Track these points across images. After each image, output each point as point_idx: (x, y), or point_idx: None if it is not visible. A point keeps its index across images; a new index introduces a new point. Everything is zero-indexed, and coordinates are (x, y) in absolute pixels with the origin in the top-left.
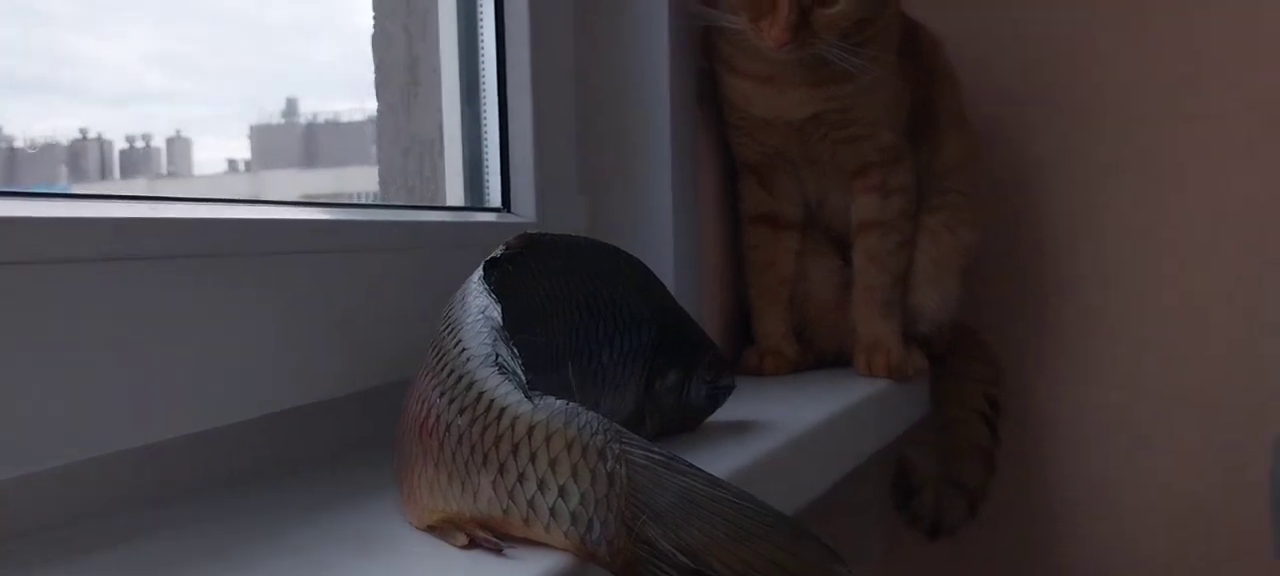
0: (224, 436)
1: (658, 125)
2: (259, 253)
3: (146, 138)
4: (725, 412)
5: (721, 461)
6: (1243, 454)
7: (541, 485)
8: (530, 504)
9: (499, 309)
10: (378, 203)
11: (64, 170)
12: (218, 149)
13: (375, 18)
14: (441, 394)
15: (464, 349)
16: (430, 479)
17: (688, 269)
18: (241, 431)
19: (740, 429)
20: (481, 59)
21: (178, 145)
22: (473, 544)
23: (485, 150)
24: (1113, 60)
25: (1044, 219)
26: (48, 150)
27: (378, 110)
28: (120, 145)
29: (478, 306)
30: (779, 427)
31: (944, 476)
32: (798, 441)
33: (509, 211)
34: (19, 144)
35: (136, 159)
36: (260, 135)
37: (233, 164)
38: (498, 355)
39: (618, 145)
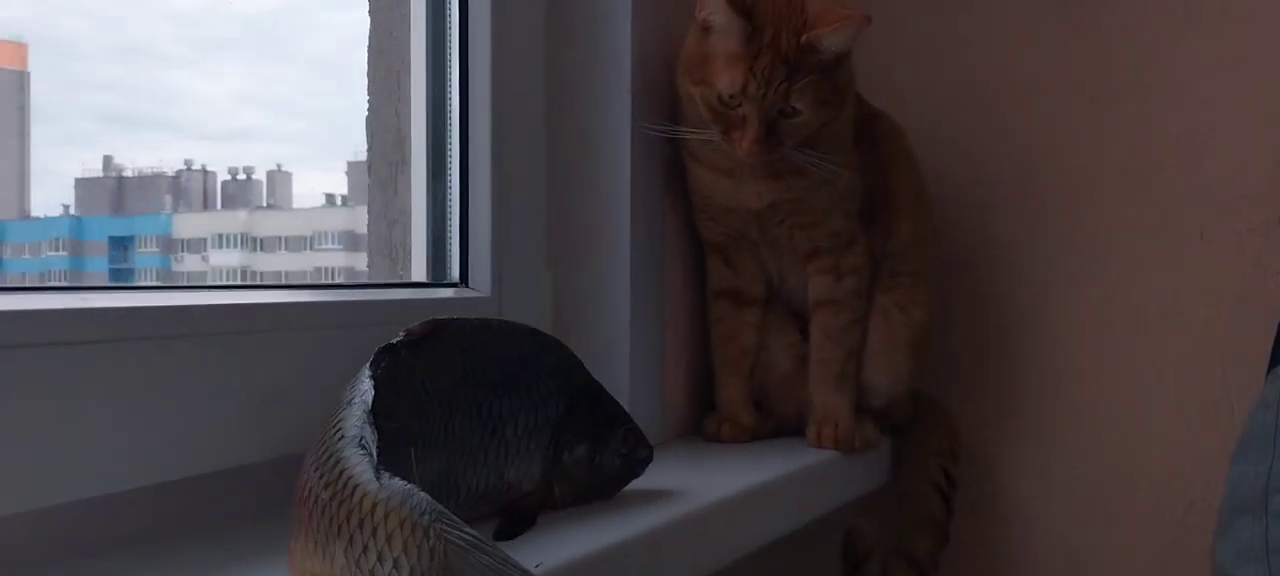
0: (151, 495)
1: (619, 207)
2: (185, 335)
3: (248, 170)
4: (656, 480)
5: (623, 527)
6: (1206, 532)
7: (380, 557)
8: (371, 572)
9: (373, 393)
10: (335, 283)
11: (169, 199)
12: (316, 183)
13: (369, 99)
14: (315, 468)
15: (339, 429)
16: (302, 545)
17: (646, 341)
18: (168, 491)
19: (654, 497)
20: (448, 135)
21: (278, 178)
22: None
23: (449, 226)
24: (1072, 147)
25: (1007, 297)
26: (154, 181)
27: (369, 186)
28: (223, 177)
29: (360, 390)
30: (692, 497)
31: (895, 547)
32: (705, 512)
33: (466, 286)
34: (128, 174)
35: (238, 190)
36: (355, 171)
37: (330, 198)
38: (362, 437)
39: (583, 225)
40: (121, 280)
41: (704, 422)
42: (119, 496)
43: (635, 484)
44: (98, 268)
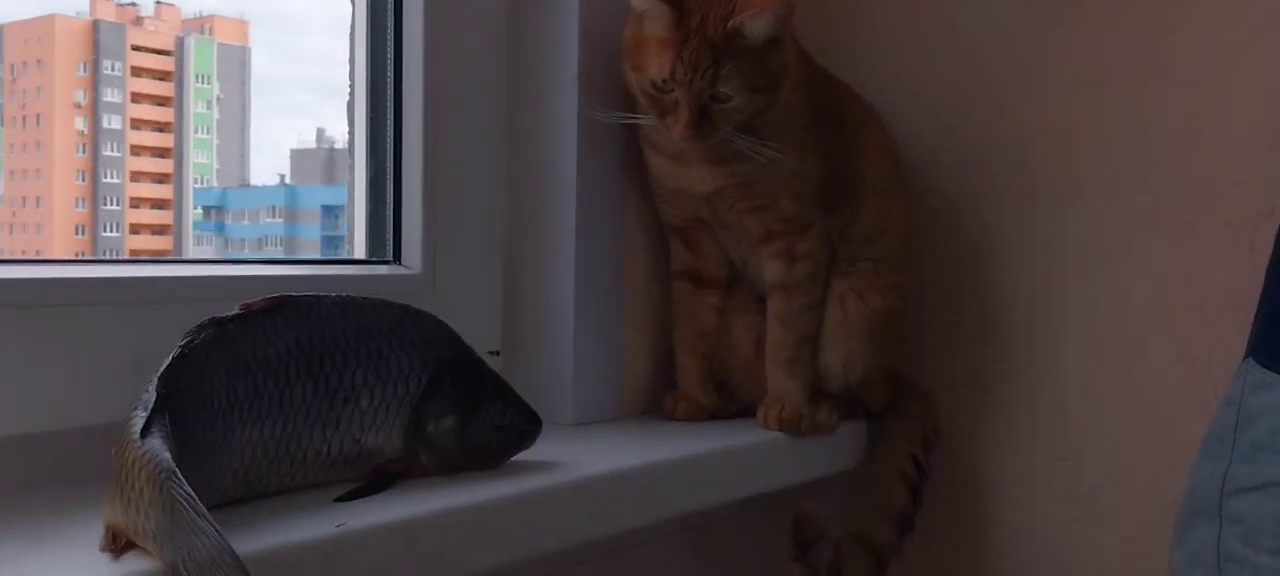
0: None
1: (566, 190)
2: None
3: None
4: (564, 452)
5: (465, 495)
6: None
7: (138, 507)
8: (135, 520)
9: (167, 362)
10: (274, 257)
11: None
12: None
13: (350, 86)
14: (119, 429)
15: (139, 394)
16: (108, 491)
17: (596, 321)
18: (42, 442)
19: (537, 468)
20: (385, 112)
21: None
22: (105, 547)
23: (385, 204)
24: (1063, 135)
25: (994, 287)
26: None
27: (350, 165)
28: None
29: (165, 359)
30: (575, 468)
31: (851, 532)
32: (579, 483)
33: (399, 264)
34: (339, 145)
35: None
36: None
37: None
38: (146, 401)
39: (531, 207)
40: (332, 247)
41: (663, 401)
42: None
43: (531, 454)
44: (310, 235)
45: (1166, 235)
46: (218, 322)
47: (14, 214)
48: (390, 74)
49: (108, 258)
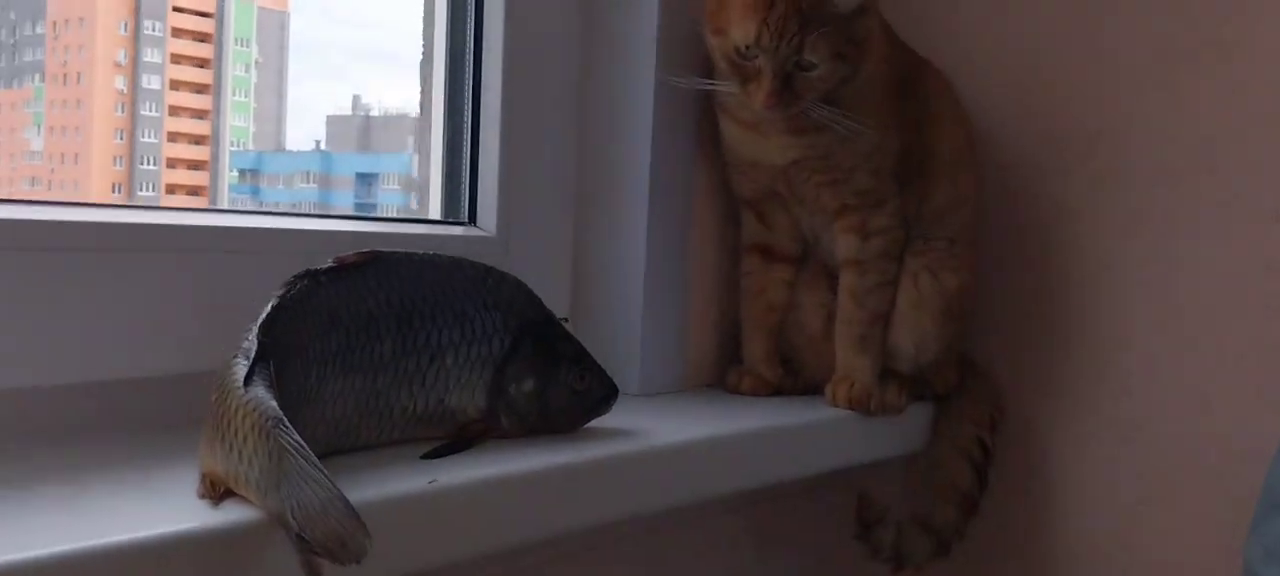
0: (116, 390)
1: (640, 157)
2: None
3: None
4: (636, 421)
5: (549, 458)
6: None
7: (240, 455)
8: (236, 469)
9: (267, 312)
10: (350, 214)
11: (411, 139)
12: None
13: (423, 45)
14: (217, 376)
15: (240, 344)
16: (205, 439)
17: (664, 291)
18: (134, 388)
19: (611, 434)
20: (464, 74)
21: None
22: (203, 494)
23: (461, 165)
24: (1143, 112)
25: (1065, 266)
26: (398, 121)
27: (417, 124)
28: (417, 126)
29: (264, 309)
30: (651, 436)
31: (913, 514)
32: (655, 452)
33: (474, 225)
34: (374, 113)
35: None
36: None
37: None
38: (248, 349)
39: (605, 172)
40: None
41: (727, 374)
42: (81, 388)
43: (603, 422)
44: (344, 201)
45: (1247, 223)
46: (312, 275)
47: (52, 170)
48: (470, 36)
49: (191, 206)
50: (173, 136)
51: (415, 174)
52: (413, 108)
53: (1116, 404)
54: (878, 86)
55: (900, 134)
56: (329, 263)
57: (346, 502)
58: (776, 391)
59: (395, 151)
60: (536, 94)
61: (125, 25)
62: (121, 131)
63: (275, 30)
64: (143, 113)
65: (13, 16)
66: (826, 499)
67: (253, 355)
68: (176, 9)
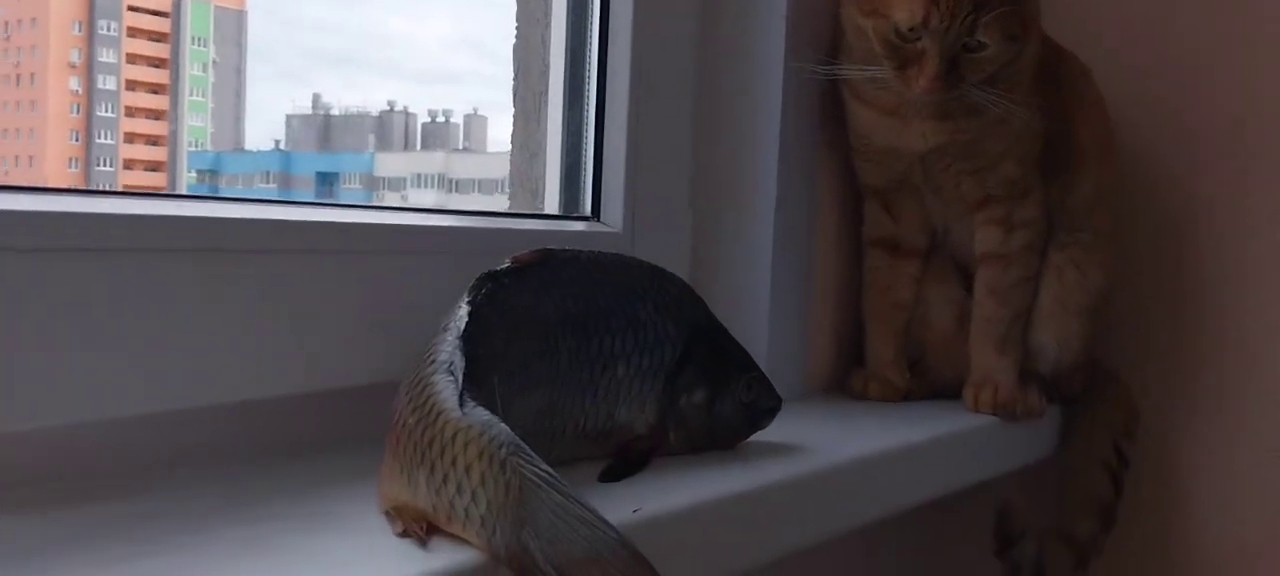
0: (261, 409)
1: (768, 147)
2: (283, 250)
3: (447, 113)
4: (787, 433)
5: (738, 479)
6: None
7: (459, 487)
8: (450, 503)
9: (467, 320)
10: (460, 209)
11: (372, 138)
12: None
13: (517, 25)
14: (406, 394)
15: (431, 355)
16: (390, 469)
17: (789, 290)
18: (278, 407)
19: (780, 451)
20: (587, 63)
21: (475, 122)
22: (405, 533)
23: (583, 158)
24: None
25: (1208, 261)
26: (358, 120)
27: (513, 116)
28: (423, 119)
29: (457, 317)
30: (819, 454)
31: (1053, 526)
32: (831, 471)
33: (598, 221)
34: (335, 112)
35: (437, 132)
36: None
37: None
38: (452, 364)
39: (729, 164)
40: None
41: (850, 379)
42: (228, 408)
43: (761, 436)
44: (304, 202)
45: None
46: (494, 277)
47: (5, 173)
48: (594, 29)
49: (320, 200)
50: (129, 137)
51: (377, 172)
52: (375, 105)
53: (1264, 412)
54: (1032, 67)
55: (1048, 120)
56: (506, 263)
57: (629, 546)
58: (906, 396)
59: (356, 151)
60: (662, 83)
61: (79, 25)
62: (76, 133)
63: (233, 30)
64: (98, 114)
65: None
66: (954, 512)
67: (462, 371)
68: (132, 8)
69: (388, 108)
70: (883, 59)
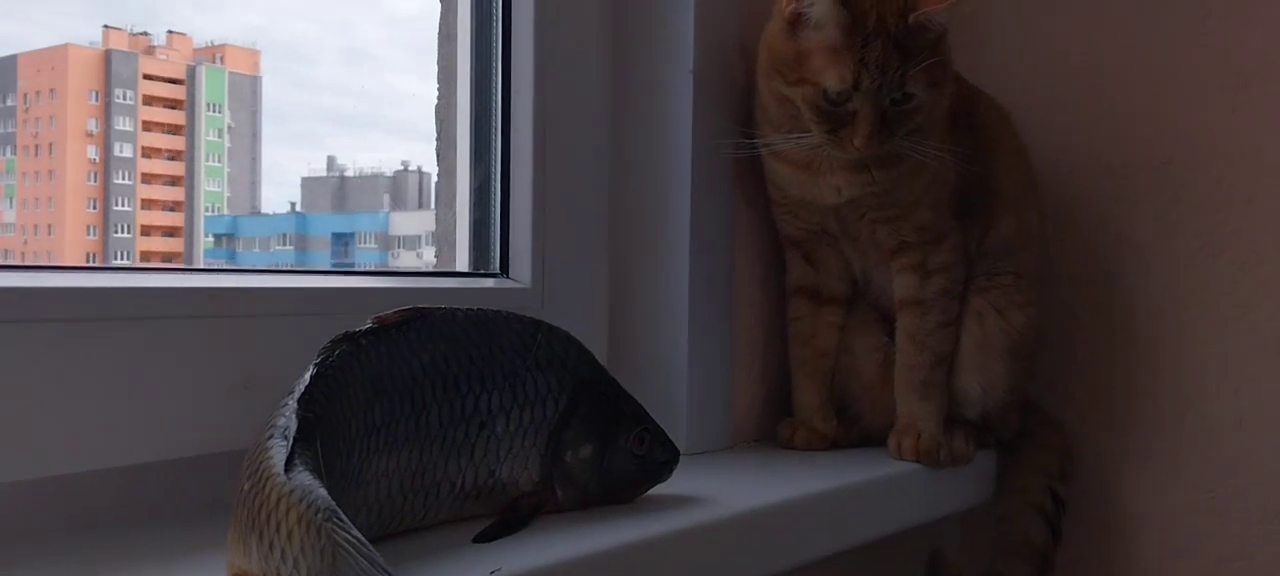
0: (110, 478)
1: (680, 198)
2: (159, 316)
3: None
4: (697, 485)
5: (619, 534)
6: None
7: (283, 554)
8: (277, 569)
9: (307, 383)
10: (366, 269)
11: (387, 198)
12: None
13: (438, 86)
14: (246, 461)
15: (272, 421)
16: (232, 538)
17: (709, 341)
18: (131, 475)
19: (678, 503)
20: (492, 118)
21: None
22: None
23: (491, 214)
24: (1212, 136)
25: (1136, 302)
26: (372, 180)
27: (438, 173)
28: (435, 178)
29: (300, 380)
30: (719, 504)
31: (987, 573)
32: (728, 522)
33: (506, 277)
34: (350, 173)
35: None
36: None
37: None
38: (287, 428)
39: (642, 216)
40: None
41: (778, 428)
42: (91, 476)
43: (665, 489)
44: (320, 263)
45: None
46: (352, 338)
47: (25, 242)
48: (498, 81)
49: (208, 266)
50: (146, 203)
51: (392, 231)
52: (389, 166)
53: (1200, 450)
54: (946, 111)
55: (958, 164)
56: (369, 323)
57: None
58: (833, 444)
59: (371, 210)
60: (569, 136)
61: (96, 94)
62: (94, 200)
63: (247, 95)
64: (115, 181)
65: None
66: (886, 560)
67: (293, 434)
68: (148, 77)
69: (402, 167)
70: (812, 124)
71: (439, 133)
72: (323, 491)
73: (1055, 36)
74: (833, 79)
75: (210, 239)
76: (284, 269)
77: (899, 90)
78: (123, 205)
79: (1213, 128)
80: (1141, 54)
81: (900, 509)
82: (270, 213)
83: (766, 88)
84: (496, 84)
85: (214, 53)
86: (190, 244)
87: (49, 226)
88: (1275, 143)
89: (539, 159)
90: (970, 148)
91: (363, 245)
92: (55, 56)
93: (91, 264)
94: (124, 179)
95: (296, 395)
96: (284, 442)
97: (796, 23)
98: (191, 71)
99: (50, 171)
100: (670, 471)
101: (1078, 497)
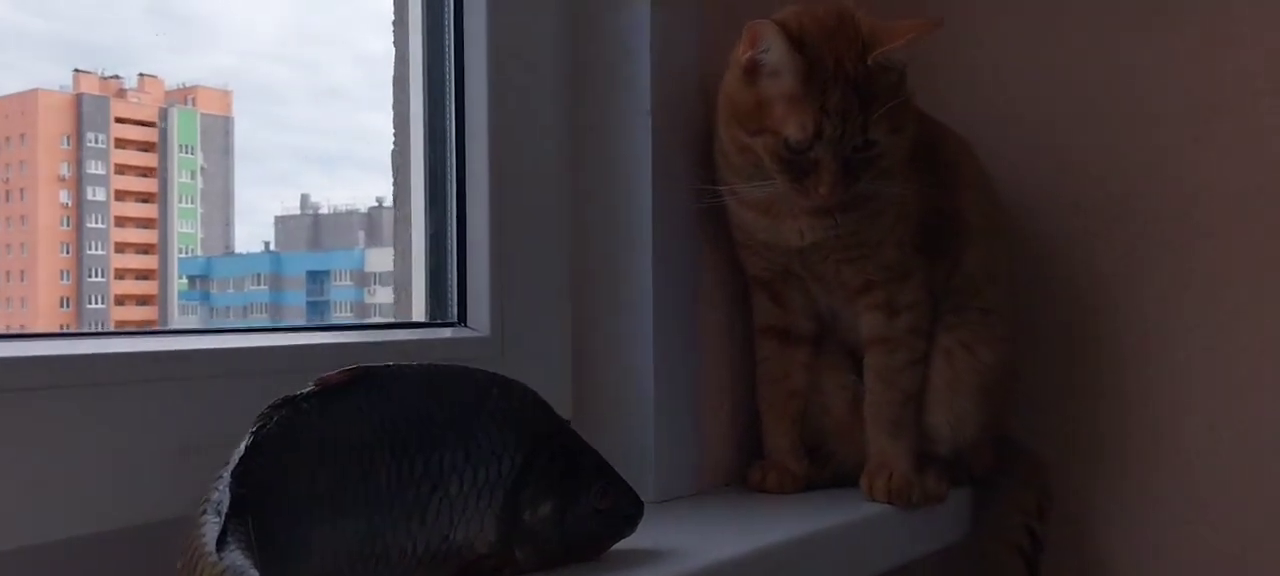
0: (56, 550)
1: (641, 241)
2: (94, 383)
3: None
4: (665, 537)
5: None
6: None
7: None
8: None
9: (241, 454)
10: (316, 324)
11: (361, 234)
12: None
13: (394, 132)
14: (184, 536)
15: (207, 495)
16: None
17: (675, 385)
18: (76, 546)
19: (644, 558)
20: (446, 165)
21: None
22: None
23: (448, 262)
24: (1178, 168)
25: (1103, 335)
26: (347, 217)
27: (395, 221)
28: (393, 225)
29: (235, 451)
30: (689, 558)
31: None
32: None
33: (464, 326)
34: (324, 211)
35: None
36: None
37: None
38: (220, 503)
39: (603, 261)
40: (318, 312)
41: (749, 472)
42: (29, 550)
43: (633, 541)
44: (296, 301)
45: None
46: (292, 402)
47: None
48: (452, 124)
49: (149, 328)
50: (120, 246)
51: (367, 268)
52: (363, 203)
53: (1175, 480)
54: (907, 149)
55: (923, 201)
56: (310, 386)
57: None
58: (806, 485)
59: (346, 248)
60: (526, 179)
61: (67, 139)
62: (67, 244)
63: (220, 136)
64: (89, 225)
65: None
66: None
67: (225, 509)
68: (119, 120)
69: (376, 204)
70: (775, 173)
71: (395, 179)
72: (253, 570)
73: (1017, 75)
74: (794, 128)
75: (184, 280)
76: (225, 327)
77: (861, 137)
78: (96, 249)
79: (1178, 157)
80: (1106, 85)
81: (875, 553)
82: (244, 252)
83: (727, 136)
84: (450, 130)
85: (186, 94)
86: (164, 286)
87: (21, 272)
88: (1235, 172)
89: (495, 204)
90: (933, 182)
91: (339, 282)
92: (25, 101)
93: (17, 331)
94: (97, 222)
95: (231, 467)
96: (217, 519)
97: (753, 71)
98: (164, 113)
99: (22, 216)
100: (634, 526)
101: (1059, 536)
